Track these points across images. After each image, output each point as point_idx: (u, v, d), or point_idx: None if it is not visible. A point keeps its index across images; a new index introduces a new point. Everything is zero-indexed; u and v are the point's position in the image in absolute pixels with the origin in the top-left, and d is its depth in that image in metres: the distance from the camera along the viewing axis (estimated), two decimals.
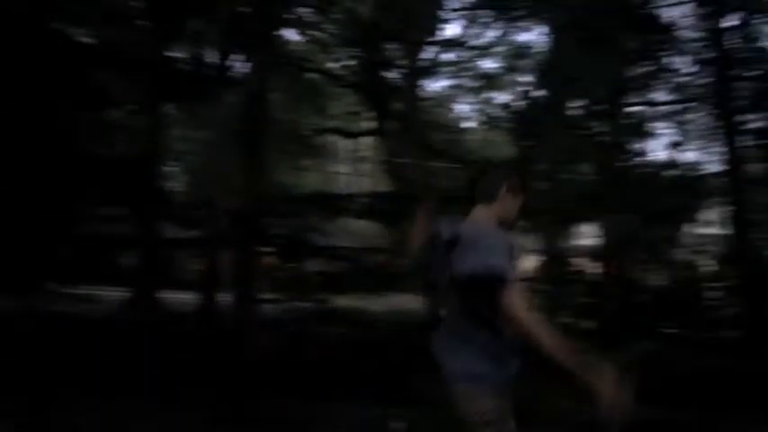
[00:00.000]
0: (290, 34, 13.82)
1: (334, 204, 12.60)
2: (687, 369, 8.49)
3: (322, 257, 12.44)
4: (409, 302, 11.49)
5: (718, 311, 12.16)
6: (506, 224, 2.88)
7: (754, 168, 14.27)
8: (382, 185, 14.69)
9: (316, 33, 13.75)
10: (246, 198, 9.60)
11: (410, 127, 11.93)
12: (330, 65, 14.86)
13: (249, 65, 10.80)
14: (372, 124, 14.40)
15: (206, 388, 6.97)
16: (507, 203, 2.91)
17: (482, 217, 2.87)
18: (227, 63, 11.64)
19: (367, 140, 18.63)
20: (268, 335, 8.91)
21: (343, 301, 11.35)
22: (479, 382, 2.78)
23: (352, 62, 14.16)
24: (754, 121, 15.34)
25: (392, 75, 13.75)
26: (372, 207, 12.05)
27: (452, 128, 15.64)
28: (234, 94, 10.36)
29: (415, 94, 13.17)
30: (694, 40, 15.82)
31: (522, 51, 14.70)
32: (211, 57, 12.26)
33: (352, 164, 28.26)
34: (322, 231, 11.52)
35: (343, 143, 24.50)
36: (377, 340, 9.61)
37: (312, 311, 10.29)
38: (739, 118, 14.21)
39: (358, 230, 18.60)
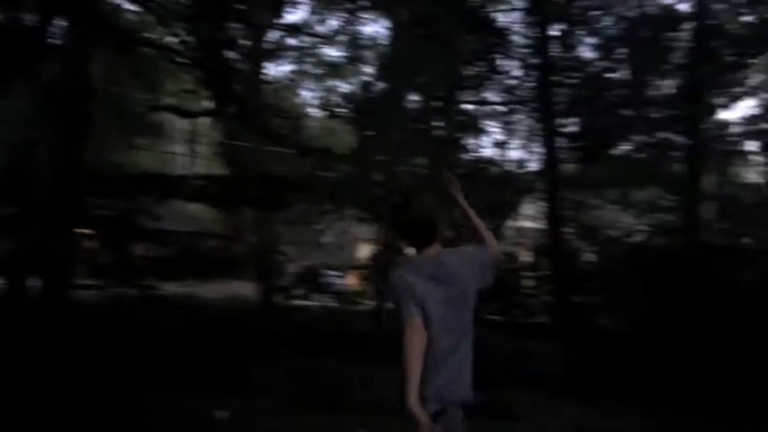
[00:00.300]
0: (125, 3, 12.93)
1: (167, 186, 11.96)
2: (507, 351, 9.15)
3: (151, 241, 11.77)
4: (243, 289, 11.28)
5: (534, 299, 13.22)
6: None
7: (568, 168, 15.61)
8: (218, 168, 14.24)
9: (152, 4, 12.95)
10: (66, 174, 8.83)
11: (249, 110, 11.64)
12: (169, 39, 14.08)
13: (70, 32, 9.89)
14: (210, 105, 13.87)
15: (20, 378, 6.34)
16: None
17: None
18: (47, 29, 10.58)
19: (204, 121, 17.94)
20: (86, 322, 8.28)
21: (173, 288, 10.85)
22: None
23: (192, 38, 13.53)
24: (570, 125, 16.86)
25: (234, 55, 13.35)
26: (207, 190, 11.60)
27: (293, 114, 15.50)
28: (53, 63, 9.45)
29: (256, 76, 12.89)
30: (523, 46, 17.03)
31: (364, 43, 14.91)
32: (29, 21, 11.12)
33: (188, 145, 27.09)
34: (152, 214, 10.88)
35: (179, 123, 23.41)
36: (208, 328, 9.31)
37: (139, 298, 9.72)
38: (558, 121, 15.52)
39: (192, 214, 17.91)
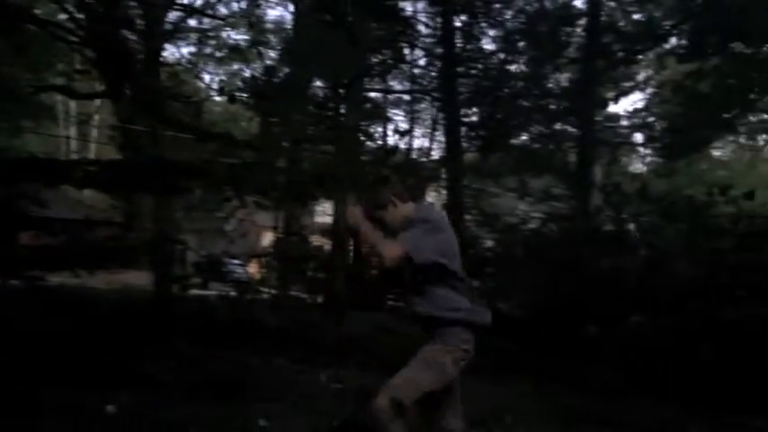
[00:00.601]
0: None
1: (55, 171, 11.27)
2: (405, 337, 9.31)
3: (38, 229, 11.08)
4: (138, 279, 10.86)
5: None
6: None
7: (469, 157, 16.03)
8: (112, 153, 13.60)
9: None
10: None
11: (146, 93, 11.15)
12: (60, 17, 13.26)
13: None
14: (104, 86, 13.20)
15: None
16: None
17: None
18: None
19: (98, 104, 17.08)
20: None
21: (62, 279, 10.29)
22: None
23: (84, 16, 12.80)
24: (472, 115, 17.31)
25: (130, 35, 12.75)
26: (99, 176, 11.03)
27: (193, 98, 15.02)
28: None
29: (154, 58, 12.37)
30: (427, 36, 17.30)
31: (267, 26, 14.63)
32: None
33: (80, 128, 25.71)
34: (39, 200, 10.24)
35: (70, 105, 22.18)
36: (100, 320, 8.90)
37: (24, 290, 9.15)
38: (460, 111, 15.90)
39: (85, 201, 17.04)
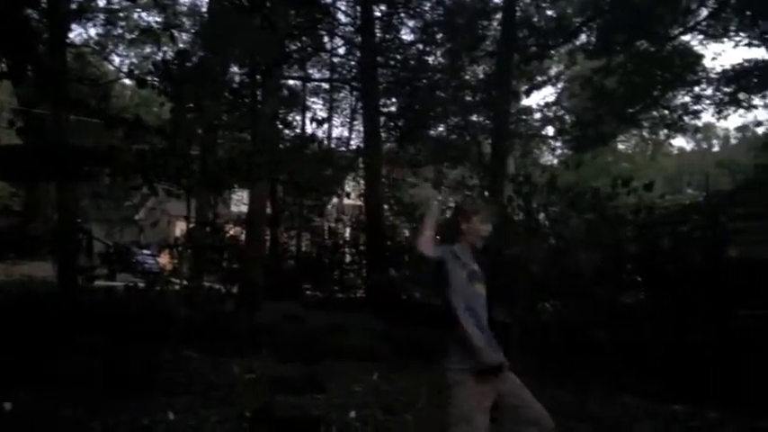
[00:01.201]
0: None
1: None
2: (325, 326, 9.32)
3: None
4: (41, 270, 10.31)
5: (351, 274, 13.57)
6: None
7: (387, 147, 16.13)
8: (12, 138, 12.83)
9: None
10: None
11: (50, 75, 10.58)
12: None
13: None
14: (4, 67, 12.42)
15: None
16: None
17: None
18: None
19: None
20: None
21: None
22: None
23: None
24: (390, 106, 17.42)
25: (33, 14, 12.04)
26: None
27: (101, 81, 14.39)
28: None
29: (58, 38, 11.71)
30: (347, 25, 17.23)
31: (181, 9, 14.16)
32: None
33: None
34: None
35: None
36: None
37: None
38: (379, 101, 15.94)
39: None
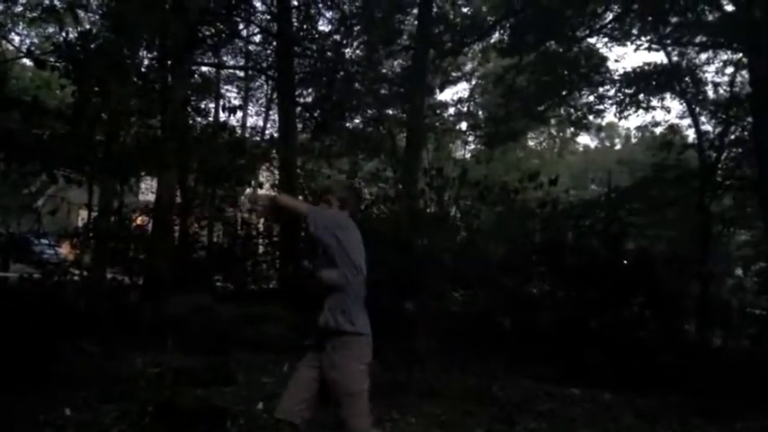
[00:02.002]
0: None
1: None
2: (235, 317, 9.15)
3: None
4: None
5: (264, 265, 13.40)
6: None
7: (302, 138, 16.01)
8: None
9: None
10: None
11: None
12: None
13: None
14: None
15: None
16: None
17: None
18: None
19: None
20: None
21: None
22: None
23: None
24: (307, 96, 17.30)
25: None
26: None
27: None
28: None
29: None
30: (264, 13, 16.93)
31: None
32: None
33: None
34: None
35: None
36: None
37: None
38: (295, 91, 15.77)
39: None
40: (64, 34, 12.02)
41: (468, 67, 20.91)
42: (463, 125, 21.36)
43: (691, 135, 17.68)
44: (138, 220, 11.28)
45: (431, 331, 7.10)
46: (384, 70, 17.15)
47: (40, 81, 15.87)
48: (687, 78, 14.84)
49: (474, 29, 16.37)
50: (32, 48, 15.75)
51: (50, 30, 18.33)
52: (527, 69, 16.01)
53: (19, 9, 17.36)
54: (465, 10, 17.62)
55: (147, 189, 13.55)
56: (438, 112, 19.90)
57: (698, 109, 14.96)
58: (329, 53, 15.86)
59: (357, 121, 17.38)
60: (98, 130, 9.34)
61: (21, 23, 18.82)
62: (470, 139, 22.22)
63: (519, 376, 6.96)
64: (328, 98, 15.49)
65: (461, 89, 60.24)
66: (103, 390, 5.59)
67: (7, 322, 6.60)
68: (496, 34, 16.64)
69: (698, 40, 14.14)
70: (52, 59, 9.61)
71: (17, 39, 19.63)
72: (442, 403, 5.81)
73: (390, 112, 17.43)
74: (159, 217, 10.22)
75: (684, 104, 15.53)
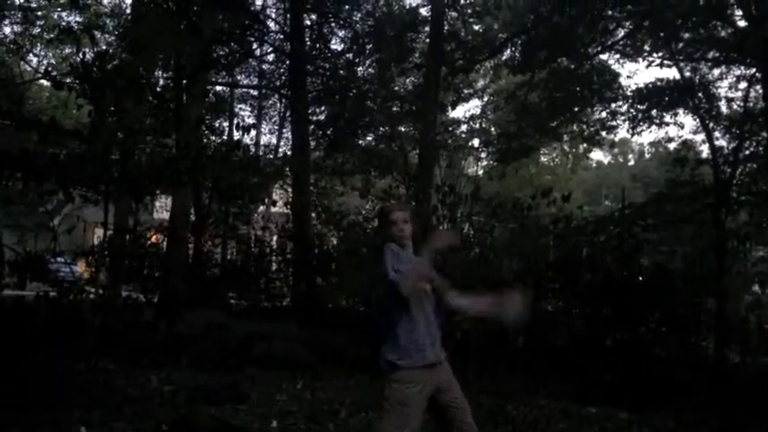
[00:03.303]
0: None
1: None
2: (249, 334, 9.17)
3: None
4: None
5: (278, 282, 13.43)
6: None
7: (316, 155, 16.11)
8: None
9: None
10: None
11: None
12: None
13: None
14: None
15: None
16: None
17: None
18: None
19: None
20: None
21: None
22: None
23: None
24: (319, 114, 17.43)
25: None
26: None
27: (15, 81, 13.77)
28: None
29: None
30: (277, 32, 17.14)
31: (102, 9, 13.73)
32: None
33: None
34: None
35: None
36: None
37: None
38: (308, 109, 15.90)
39: None
40: (81, 55, 12.20)
41: (480, 83, 20.96)
42: (475, 142, 21.41)
43: (705, 150, 17.58)
44: (153, 238, 11.36)
45: (443, 349, 7.05)
46: (396, 88, 17.24)
47: (56, 101, 16.12)
48: (700, 94, 14.76)
49: (485, 46, 16.43)
50: (50, 69, 15.99)
51: (67, 51, 18.65)
52: (539, 86, 16.02)
53: (36, 30, 17.70)
54: (476, 27, 17.69)
55: (162, 207, 13.67)
56: (450, 128, 19.94)
57: (712, 124, 14.86)
58: (342, 71, 16.00)
59: (370, 138, 17.48)
60: (114, 150, 9.44)
61: (38, 45, 19.14)
62: (483, 155, 22.23)
63: (534, 395, 6.90)
64: (341, 116, 15.61)
65: (473, 106, 60.50)
66: (118, 408, 5.61)
67: (24, 340, 6.66)
68: (508, 51, 16.67)
69: (710, 55, 14.10)
70: (69, 80, 9.75)
71: (35, 60, 19.97)
72: None
73: (403, 129, 17.49)
74: (174, 235, 10.29)
75: (698, 120, 15.43)
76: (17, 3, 16.30)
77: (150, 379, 6.79)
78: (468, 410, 3.25)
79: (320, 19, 16.50)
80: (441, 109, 17.14)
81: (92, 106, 9.02)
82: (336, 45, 17.34)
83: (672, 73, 17.97)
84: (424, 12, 16.60)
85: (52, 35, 16.11)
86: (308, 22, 16.18)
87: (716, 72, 15.63)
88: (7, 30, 17.81)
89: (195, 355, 7.67)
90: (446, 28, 15.74)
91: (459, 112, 73.61)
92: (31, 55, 19.23)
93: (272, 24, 17.33)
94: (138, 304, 8.93)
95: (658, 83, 14.98)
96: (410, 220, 3.37)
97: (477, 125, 20.39)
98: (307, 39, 15.50)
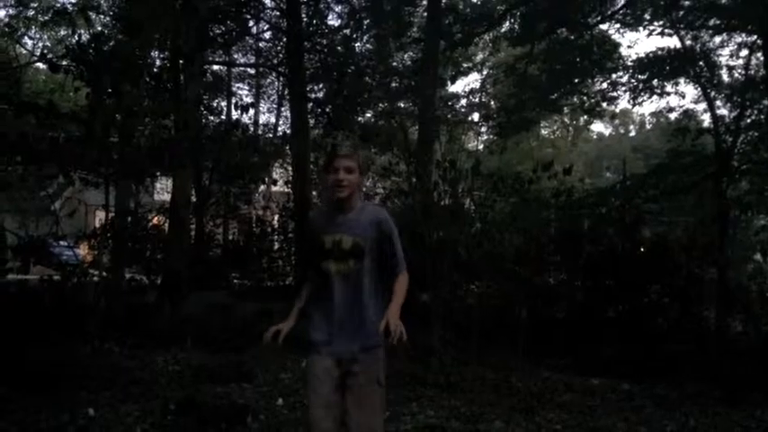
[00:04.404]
0: None
1: None
2: (251, 314, 9.21)
3: None
4: None
5: (280, 262, 13.47)
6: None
7: (315, 133, 16.02)
8: None
9: None
10: None
11: None
12: None
13: None
14: None
15: None
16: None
17: None
18: None
19: None
20: None
21: None
22: None
23: None
24: (318, 92, 17.31)
25: None
26: None
27: (11, 65, 13.67)
28: None
29: None
30: (273, 9, 16.95)
31: None
32: None
33: None
34: None
35: None
36: None
37: None
38: (306, 87, 15.78)
39: None
40: (76, 37, 12.09)
41: (479, 57, 20.81)
42: (475, 116, 21.30)
43: (706, 120, 17.50)
44: (155, 220, 11.36)
45: (447, 324, 7.11)
46: (394, 63, 17.09)
47: (53, 84, 16.02)
48: (701, 62, 14.63)
49: (484, 18, 16.26)
50: (45, 51, 15.82)
51: (63, 33, 18.50)
52: (539, 58, 15.89)
53: (31, 13, 17.54)
54: (474, 0, 17.53)
55: (163, 189, 13.64)
56: (450, 103, 19.82)
57: (713, 93, 14.75)
58: (339, 48, 15.84)
59: (369, 115, 17.36)
60: (112, 132, 9.40)
61: (33, 27, 18.98)
62: (483, 129, 22.13)
63: (537, 367, 6.96)
64: (339, 93, 15.47)
65: (473, 80, 60.13)
66: (125, 389, 5.67)
67: (29, 324, 6.71)
68: (507, 23, 16.52)
69: (711, 23, 13.95)
70: (65, 62, 9.68)
71: (30, 43, 19.84)
72: (460, 395, 5.83)
73: (402, 105, 17.37)
74: (175, 216, 10.29)
75: (699, 89, 15.32)
76: None
77: (156, 360, 6.85)
78: None
79: None
80: (440, 84, 17.01)
81: (89, 89, 8.97)
82: (333, 21, 17.19)
83: (673, 42, 17.81)
84: None
85: (47, 17, 15.97)
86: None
87: (717, 40, 15.49)
88: (1, 13, 17.66)
89: (200, 336, 7.71)
90: (444, 1, 15.58)
91: (458, 86, 73.26)
92: (26, 38, 19.12)
93: (268, 1, 17.14)
94: (142, 286, 8.97)
95: (659, 52, 14.86)
96: (356, 170, 2.74)
97: (477, 99, 20.31)
98: (303, 15, 15.31)
